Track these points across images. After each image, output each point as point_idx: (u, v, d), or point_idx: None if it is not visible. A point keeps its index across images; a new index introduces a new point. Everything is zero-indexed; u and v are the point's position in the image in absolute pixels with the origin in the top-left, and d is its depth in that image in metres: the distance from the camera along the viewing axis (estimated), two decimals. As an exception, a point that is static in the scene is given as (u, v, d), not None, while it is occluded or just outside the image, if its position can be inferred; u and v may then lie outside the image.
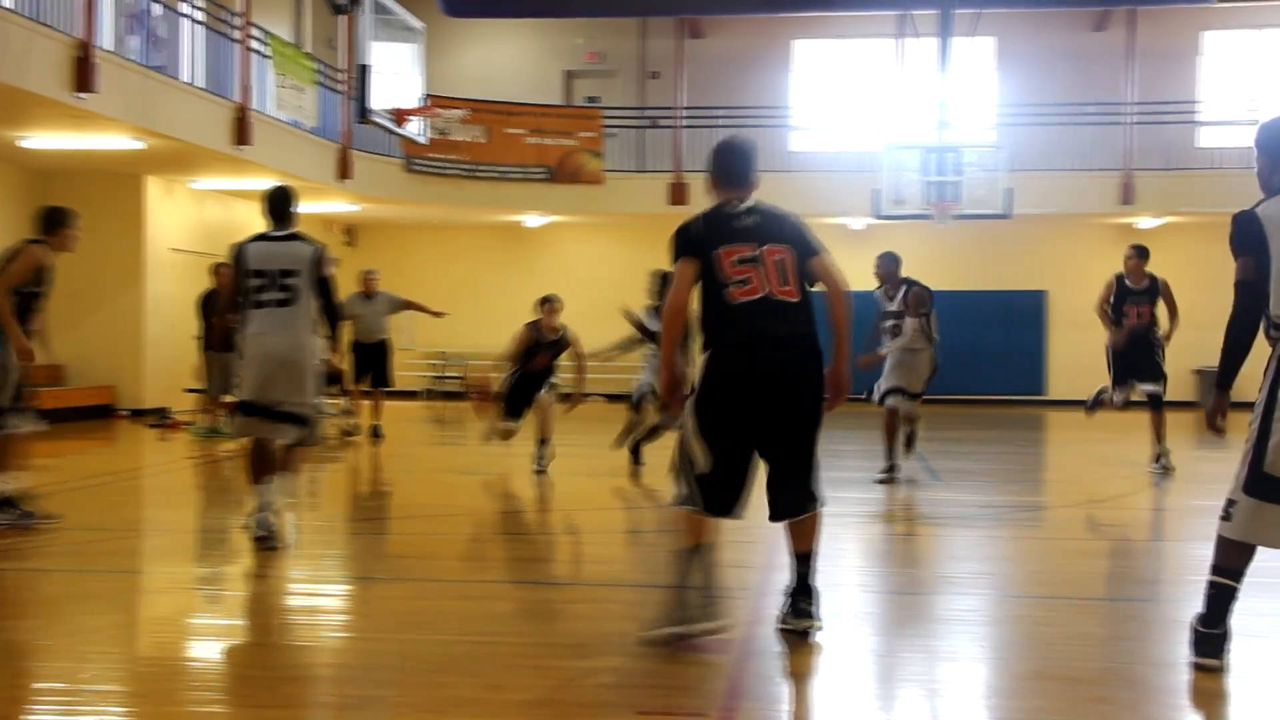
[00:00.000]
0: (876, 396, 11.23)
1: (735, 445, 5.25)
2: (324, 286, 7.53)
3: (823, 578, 7.06)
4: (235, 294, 7.55)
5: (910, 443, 11.81)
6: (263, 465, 7.36)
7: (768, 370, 5.20)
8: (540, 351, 11.51)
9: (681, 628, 5.10)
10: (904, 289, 11.19)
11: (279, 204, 7.75)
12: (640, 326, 11.59)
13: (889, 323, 11.32)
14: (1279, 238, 4.81)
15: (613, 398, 15.46)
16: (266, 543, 7.16)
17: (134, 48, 14.35)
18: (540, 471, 11.20)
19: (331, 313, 7.65)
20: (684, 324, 5.49)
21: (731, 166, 5.59)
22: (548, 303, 11.57)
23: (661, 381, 5.54)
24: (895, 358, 11.22)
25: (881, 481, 10.86)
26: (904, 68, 23.91)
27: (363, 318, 15.17)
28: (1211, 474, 11.16)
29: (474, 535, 8.55)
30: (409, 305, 15.83)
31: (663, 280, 10.37)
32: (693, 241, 5.34)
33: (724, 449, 5.22)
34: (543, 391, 11.61)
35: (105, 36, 14.30)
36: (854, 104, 24.84)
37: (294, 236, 7.64)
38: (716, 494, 5.26)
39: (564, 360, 11.77)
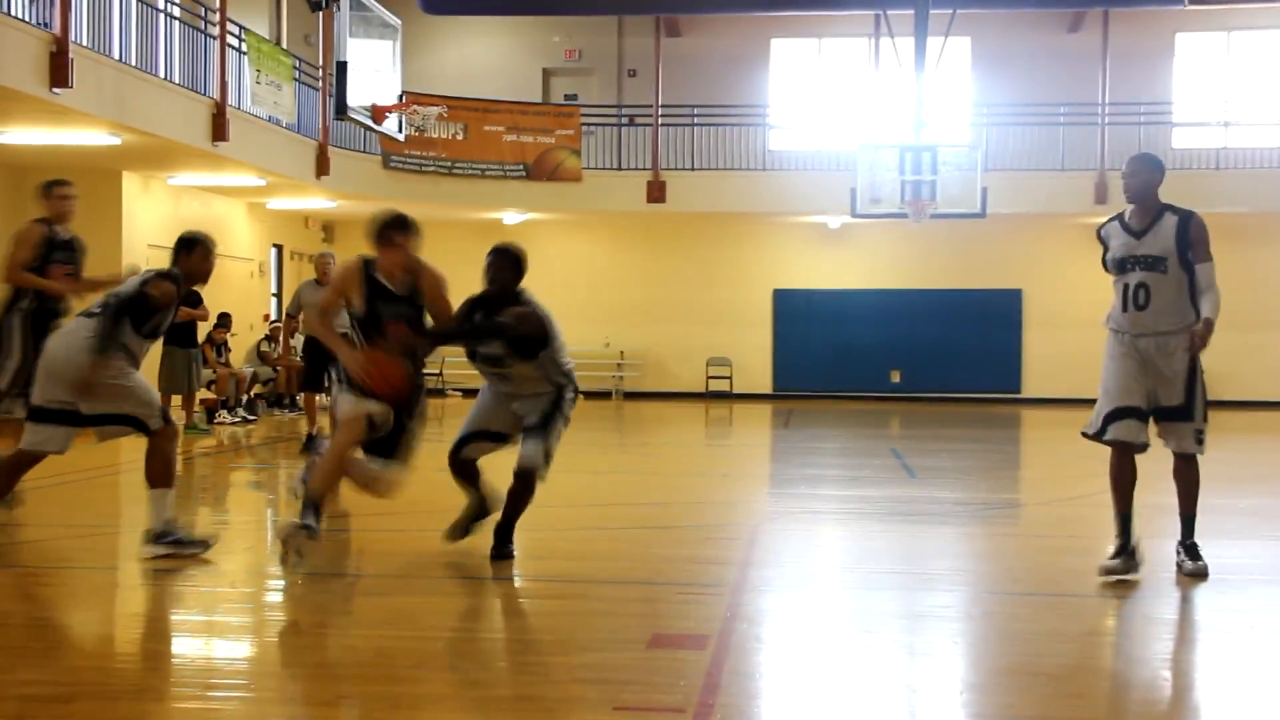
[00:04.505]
0: (1094, 425, 6.66)
1: None
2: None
3: (798, 574, 7.09)
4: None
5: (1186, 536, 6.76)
6: (14, 478, 7.18)
7: None
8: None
9: None
10: (1170, 218, 6.58)
11: None
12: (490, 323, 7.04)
13: (1130, 277, 6.63)
14: None
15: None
16: None
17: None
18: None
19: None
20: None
21: None
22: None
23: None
24: (1130, 347, 6.60)
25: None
26: (880, 67, 23.97)
27: (314, 308, 12.90)
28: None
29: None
30: None
31: (506, 263, 7.08)
32: None
33: None
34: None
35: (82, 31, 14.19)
36: (831, 103, 24.90)
37: None
38: None
39: None
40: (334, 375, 6.63)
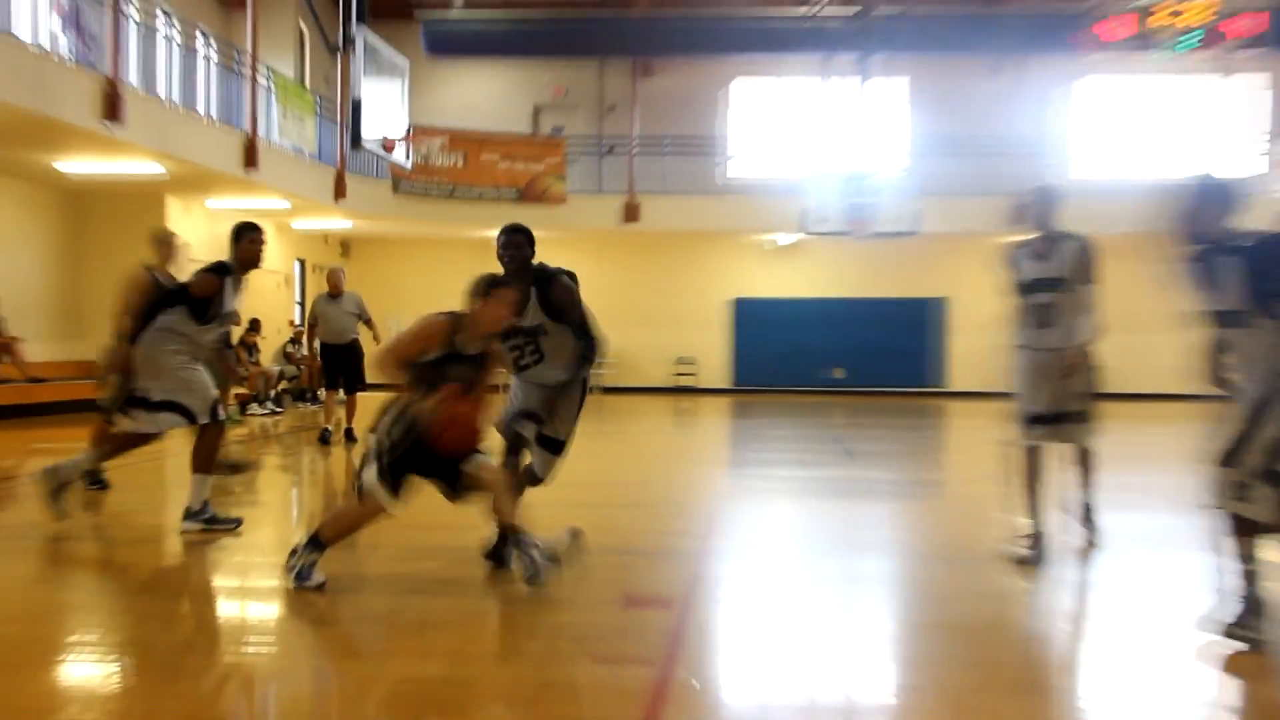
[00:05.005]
0: (1022, 434, 6.47)
1: None
2: None
3: (752, 543, 7.17)
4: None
5: (1088, 513, 6.79)
6: (116, 453, 7.24)
7: None
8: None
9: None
10: (1071, 242, 6.40)
11: None
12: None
13: (1036, 298, 6.40)
14: None
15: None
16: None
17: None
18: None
19: None
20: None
21: None
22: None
23: None
24: (1036, 361, 6.44)
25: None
26: (829, 102, 24.08)
27: (327, 318, 12.52)
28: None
29: (449, 506, 8.56)
30: (369, 323, 12.71)
31: (523, 239, 6.24)
32: None
33: None
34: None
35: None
36: (785, 134, 25.00)
37: None
38: None
39: None
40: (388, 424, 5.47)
